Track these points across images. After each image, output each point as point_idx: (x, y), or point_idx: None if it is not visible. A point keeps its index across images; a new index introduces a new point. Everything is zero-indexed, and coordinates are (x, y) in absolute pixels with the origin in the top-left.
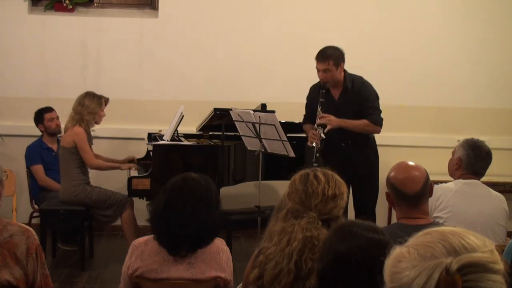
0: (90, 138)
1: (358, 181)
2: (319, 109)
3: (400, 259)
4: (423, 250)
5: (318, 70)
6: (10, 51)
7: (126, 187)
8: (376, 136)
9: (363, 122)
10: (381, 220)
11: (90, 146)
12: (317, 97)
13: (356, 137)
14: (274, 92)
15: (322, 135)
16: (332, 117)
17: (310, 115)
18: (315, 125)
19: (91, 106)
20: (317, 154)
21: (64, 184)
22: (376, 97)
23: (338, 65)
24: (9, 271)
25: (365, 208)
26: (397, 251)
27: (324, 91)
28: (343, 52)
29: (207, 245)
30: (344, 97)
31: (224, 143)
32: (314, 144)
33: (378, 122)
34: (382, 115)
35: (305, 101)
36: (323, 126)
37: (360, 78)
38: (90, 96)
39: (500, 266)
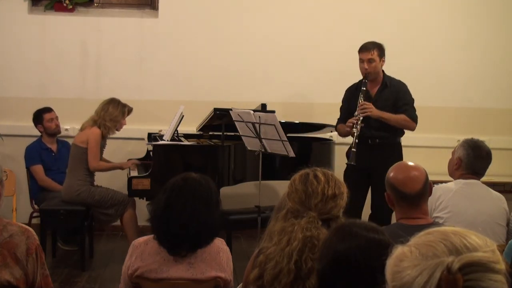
0: (104, 143)
1: (378, 183)
2: (360, 98)
3: (401, 258)
4: (425, 250)
5: (362, 61)
6: (10, 51)
7: (126, 187)
8: None
9: (401, 117)
10: None
11: (102, 151)
12: (355, 97)
13: (385, 138)
14: (274, 92)
15: (360, 123)
16: (373, 106)
17: (345, 116)
18: (356, 112)
19: (114, 113)
20: (356, 140)
21: (69, 181)
22: (411, 97)
23: (381, 56)
24: (9, 271)
25: (381, 209)
26: (399, 250)
27: (366, 81)
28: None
29: (207, 245)
30: (381, 93)
31: (224, 143)
32: (354, 130)
33: (414, 119)
34: None
35: (304, 101)
36: (363, 113)
37: (399, 80)
38: (115, 103)
39: (502, 266)
